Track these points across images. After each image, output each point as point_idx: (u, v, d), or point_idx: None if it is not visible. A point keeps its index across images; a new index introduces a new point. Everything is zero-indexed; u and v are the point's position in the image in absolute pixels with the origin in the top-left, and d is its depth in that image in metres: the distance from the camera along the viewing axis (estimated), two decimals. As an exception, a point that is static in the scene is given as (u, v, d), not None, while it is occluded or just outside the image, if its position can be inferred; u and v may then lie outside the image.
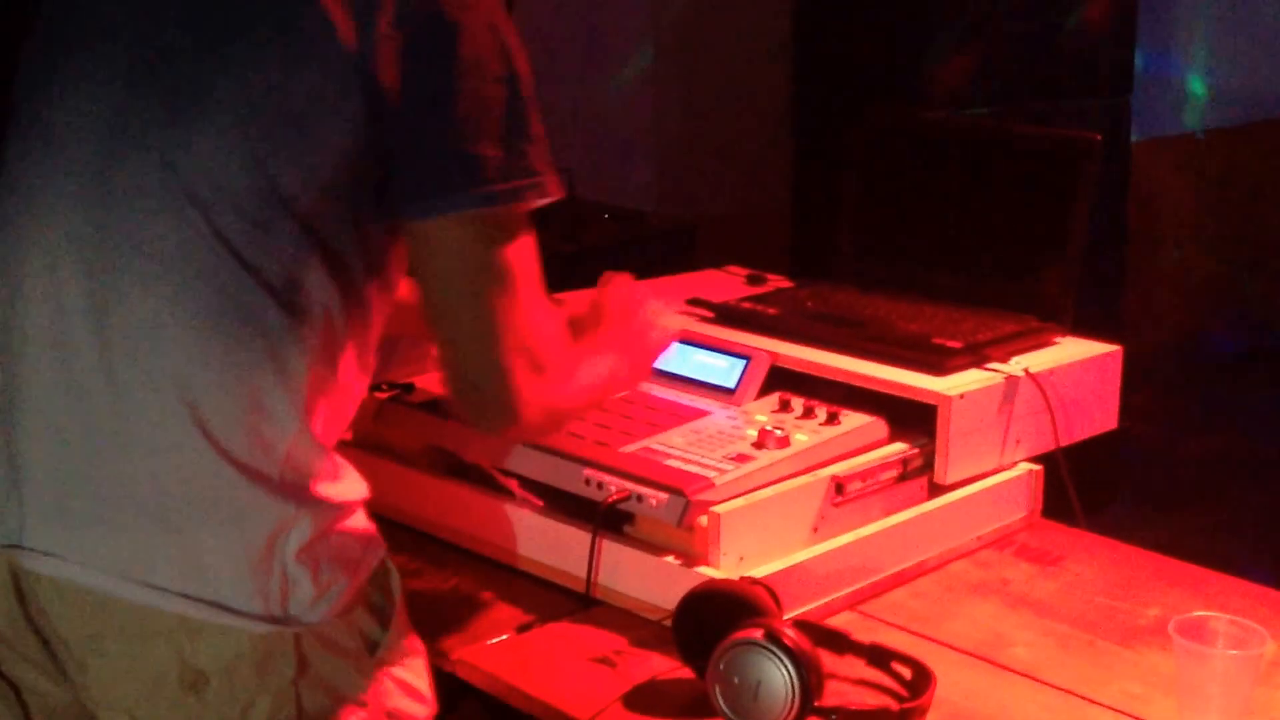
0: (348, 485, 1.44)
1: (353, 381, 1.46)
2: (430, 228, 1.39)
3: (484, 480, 1.84)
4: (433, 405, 1.88)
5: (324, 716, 1.39)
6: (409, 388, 1.93)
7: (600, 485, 1.70)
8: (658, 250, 2.74)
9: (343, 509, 1.42)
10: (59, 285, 1.38)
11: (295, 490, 1.37)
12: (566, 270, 2.54)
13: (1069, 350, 2.03)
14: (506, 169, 1.39)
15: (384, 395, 1.92)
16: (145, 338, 1.35)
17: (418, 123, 1.37)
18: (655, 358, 1.81)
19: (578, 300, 1.82)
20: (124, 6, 1.44)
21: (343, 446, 1.97)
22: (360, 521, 1.45)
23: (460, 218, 1.38)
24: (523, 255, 1.43)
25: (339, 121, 1.35)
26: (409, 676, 1.48)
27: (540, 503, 1.80)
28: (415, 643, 1.51)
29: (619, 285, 1.82)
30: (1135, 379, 2.15)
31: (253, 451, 1.35)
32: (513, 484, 1.81)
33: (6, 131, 1.48)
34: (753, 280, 2.34)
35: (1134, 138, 4.52)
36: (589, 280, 2.29)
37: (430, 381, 1.96)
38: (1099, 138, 2.10)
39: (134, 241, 1.35)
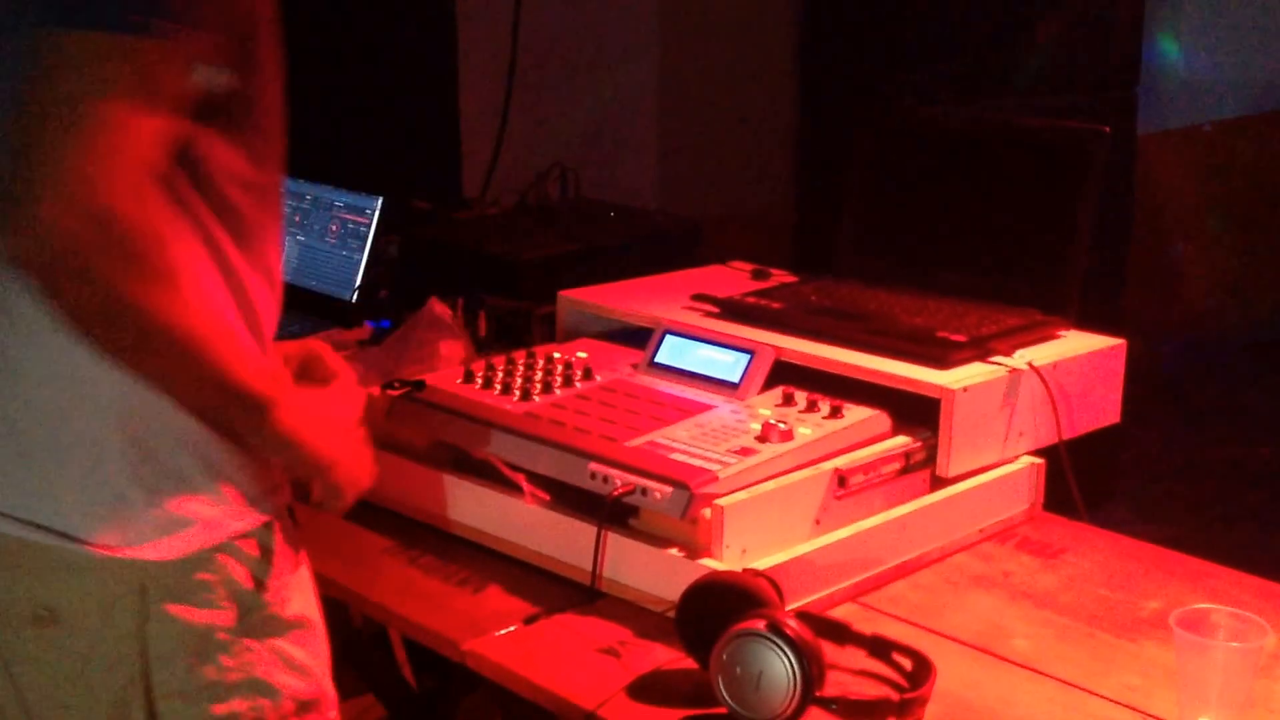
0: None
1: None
2: (47, 41, 1.22)
3: (492, 475, 1.85)
4: (442, 402, 1.90)
5: (174, 671, 1.38)
6: (419, 385, 1.94)
7: (606, 479, 1.71)
8: (663, 248, 2.75)
9: None
10: None
11: (159, 425, 1.35)
12: (574, 268, 2.55)
13: (1073, 344, 2.04)
14: (136, 4, 1.23)
15: (395, 392, 1.94)
16: None
17: None
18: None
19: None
20: None
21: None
22: (245, 473, 1.40)
23: (77, 38, 1.22)
24: (137, 102, 1.23)
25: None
26: (289, 647, 1.44)
27: (547, 496, 1.81)
28: (309, 614, 1.48)
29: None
30: (1138, 372, 2.16)
31: (119, 381, 1.32)
32: (520, 478, 1.83)
33: None
34: (757, 275, 2.36)
35: (1140, 130, 4.52)
36: (596, 278, 2.31)
37: (440, 379, 1.98)
38: (1107, 130, 2.10)
39: None
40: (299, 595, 1.48)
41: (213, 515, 1.39)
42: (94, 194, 1.19)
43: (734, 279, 2.34)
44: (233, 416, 1.36)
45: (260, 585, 1.42)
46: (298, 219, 2.75)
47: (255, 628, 1.42)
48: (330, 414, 1.50)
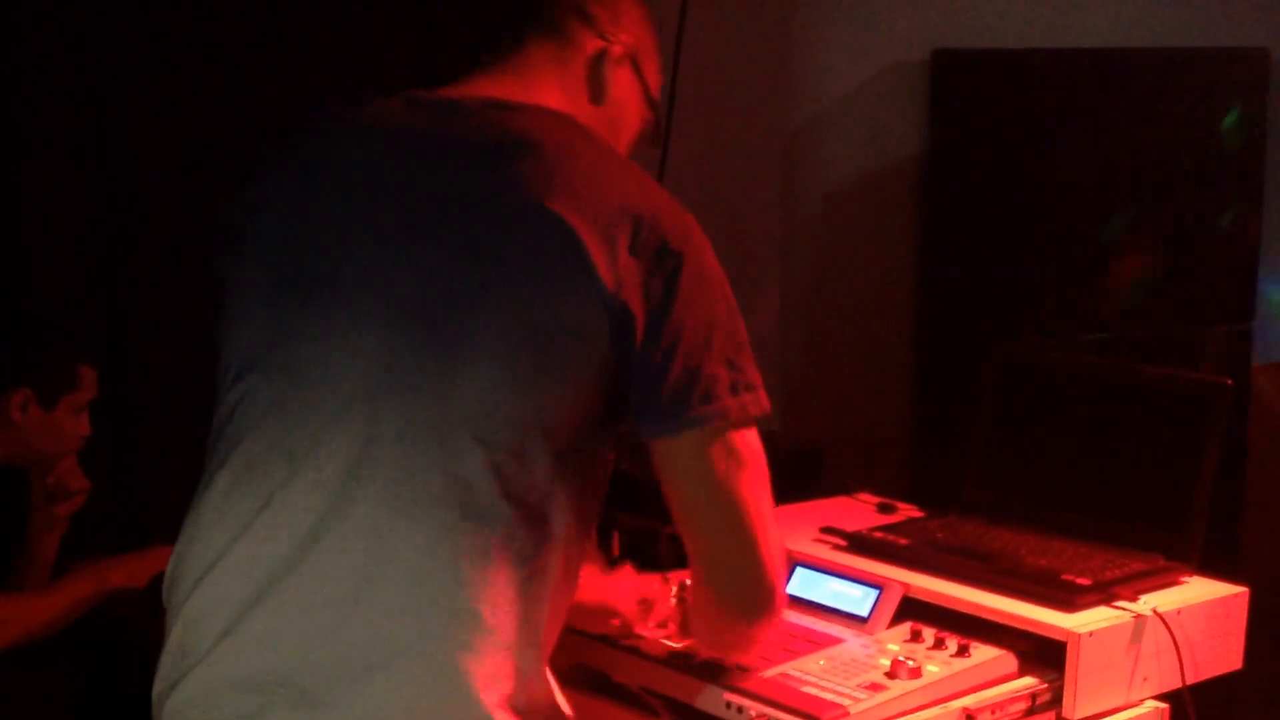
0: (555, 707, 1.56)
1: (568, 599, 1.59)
2: (674, 445, 1.49)
3: (631, 700, 1.92)
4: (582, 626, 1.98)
5: None
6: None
7: (740, 709, 1.77)
8: (785, 471, 2.82)
9: None
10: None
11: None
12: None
13: (1195, 590, 2.08)
14: (734, 384, 1.49)
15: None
16: (404, 578, 1.43)
17: (655, 346, 1.46)
18: None
19: None
20: (372, 238, 1.50)
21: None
22: None
23: (701, 433, 1.48)
24: (760, 461, 1.54)
25: (592, 348, 1.45)
26: None
27: (682, 723, 1.87)
28: None
29: None
30: (1256, 616, 2.18)
31: (485, 679, 1.44)
32: (657, 704, 1.89)
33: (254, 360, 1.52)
34: (883, 509, 2.42)
35: (1256, 361, 4.52)
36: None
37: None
38: (1230, 383, 2.17)
39: (399, 474, 1.42)
40: None
41: None
42: (782, 552, 1.62)
43: (860, 511, 2.41)
44: None
45: None
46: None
47: None
48: None
